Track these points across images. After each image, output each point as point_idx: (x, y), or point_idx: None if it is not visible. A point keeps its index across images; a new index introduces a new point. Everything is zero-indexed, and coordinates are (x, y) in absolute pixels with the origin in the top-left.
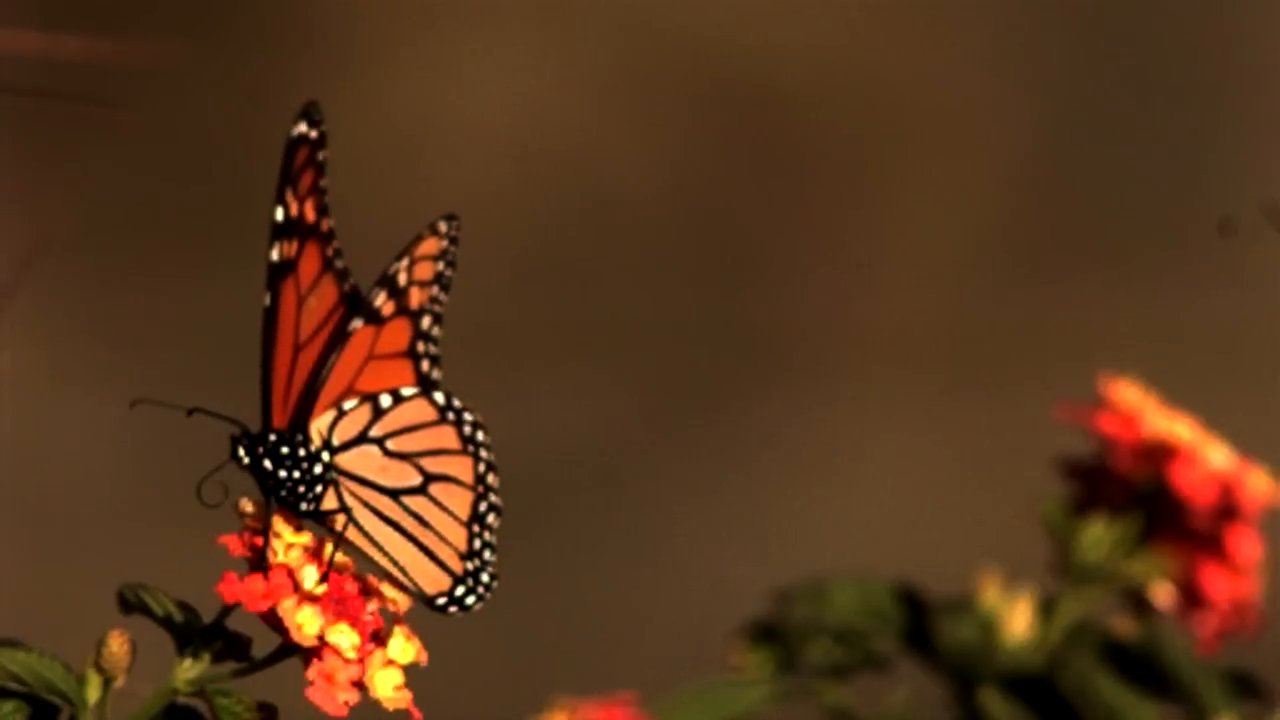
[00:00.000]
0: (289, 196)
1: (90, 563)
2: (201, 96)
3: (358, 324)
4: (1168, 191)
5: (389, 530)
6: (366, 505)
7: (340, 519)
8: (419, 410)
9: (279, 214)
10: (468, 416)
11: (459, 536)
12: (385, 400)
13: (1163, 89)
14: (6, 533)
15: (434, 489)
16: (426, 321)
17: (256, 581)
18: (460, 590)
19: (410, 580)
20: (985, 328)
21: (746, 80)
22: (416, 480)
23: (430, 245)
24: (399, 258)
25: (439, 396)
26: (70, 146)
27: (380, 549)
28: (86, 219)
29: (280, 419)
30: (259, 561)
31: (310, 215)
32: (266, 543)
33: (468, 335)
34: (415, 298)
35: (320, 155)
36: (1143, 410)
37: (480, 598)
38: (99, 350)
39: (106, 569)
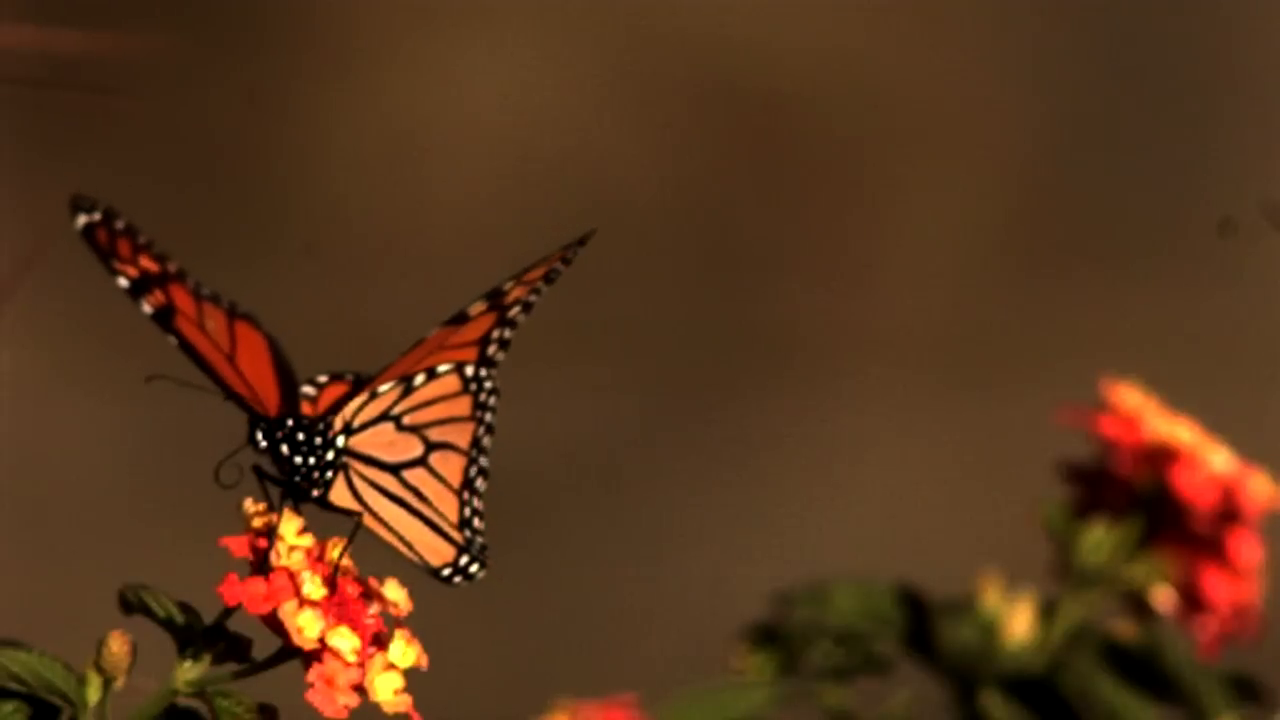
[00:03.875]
0: (118, 266)
1: (90, 563)
2: (201, 95)
3: (434, 330)
4: (1168, 191)
5: (394, 508)
6: (373, 485)
7: (358, 508)
8: (447, 384)
9: (122, 282)
10: (487, 385)
11: (452, 506)
12: (419, 379)
13: (1163, 89)
14: (6, 533)
15: (433, 458)
16: (515, 311)
17: (258, 584)
18: (464, 560)
19: (417, 555)
20: (985, 328)
21: (746, 80)
22: (418, 451)
23: (556, 255)
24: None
25: (469, 369)
26: (70, 146)
27: (387, 527)
28: None
29: (266, 411)
30: (261, 563)
31: (154, 267)
32: (271, 544)
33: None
34: (514, 294)
35: (118, 224)
36: (1144, 413)
37: (484, 565)
38: (99, 350)
39: (107, 569)
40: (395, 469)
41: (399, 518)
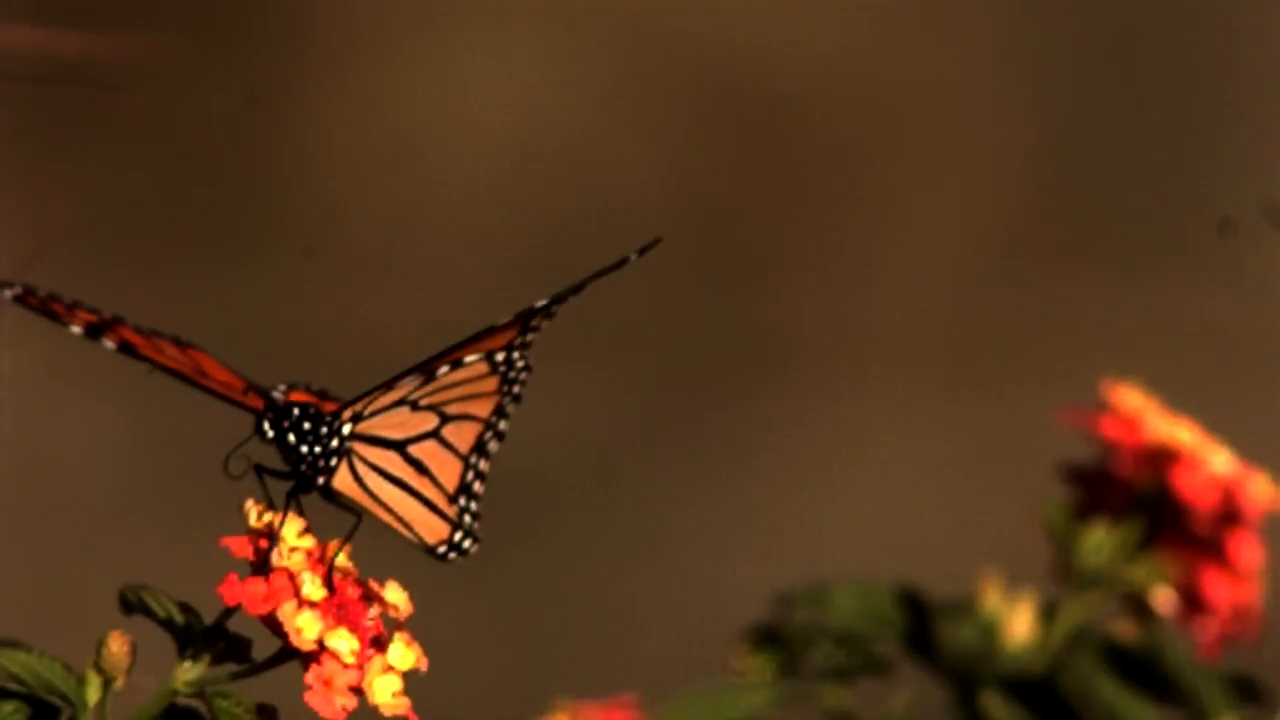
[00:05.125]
0: (65, 320)
1: (90, 563)
2: (201, 96)
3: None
4: (1168, 192)
5: (394, 489)
6: (375, 468)
7: (356, 490)
8: (474, 369)
9: (76, 329)
10: (519, 364)
11: (455, 473)
12: (442, 370)
13: (1163, 89)
14: (6, 533)
15: (447, 429)
16: (565, 293)
17: (257, 584)
18: (458, 536)
19: (414, 534)
20: (986, 328)
21: (747, 81)
22: (432, 425)
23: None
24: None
25: (500, 355)
26: (70, 147)
27: (386, 508)
28: (87, 219)
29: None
30: (262, 564)
31: (92, 318)
32: (272, 544)
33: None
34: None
35: (40, 293)
36: (1145, 414)
37: (477, 539)
38: (99, 350)
39: (107, 569)
40: (401, 445)
41: (398, 499)
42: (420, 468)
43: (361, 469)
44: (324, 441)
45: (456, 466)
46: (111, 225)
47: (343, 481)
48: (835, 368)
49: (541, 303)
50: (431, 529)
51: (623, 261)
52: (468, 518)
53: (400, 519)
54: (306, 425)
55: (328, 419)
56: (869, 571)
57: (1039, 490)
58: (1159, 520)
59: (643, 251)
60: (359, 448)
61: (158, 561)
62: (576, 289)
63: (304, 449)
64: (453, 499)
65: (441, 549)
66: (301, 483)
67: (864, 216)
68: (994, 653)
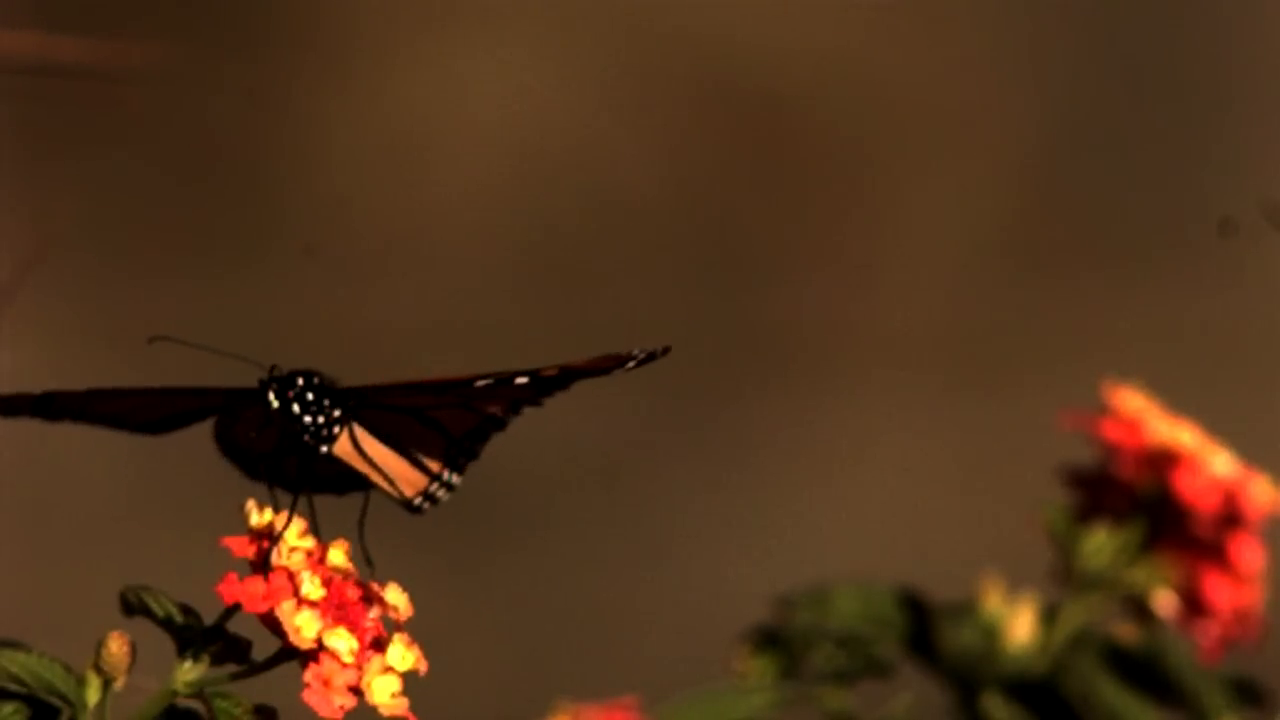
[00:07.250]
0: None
1: (90, 563)
2: (201, 96)
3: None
4: (1168, 191)
5: (384, 448)
6: (373, 431)
7: (353, 455)
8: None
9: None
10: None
11: (468, 424)
12: (480, 383)
13: (1163, 89)
14: (6, 533)
15: (475, 399)
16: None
17: (257, 583)
18: (434, 486)
19: (396, 489)
20: (986, 328)
21: (747, 80)
22: (457, 400)
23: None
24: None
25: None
26: (71, 148)
27: (373, 465)
28: (87, 219)
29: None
30: (262, 563)
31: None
32: (272, 544)
33: (468, 336)
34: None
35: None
36: (1145, 416)
37: (451, 488)
38: (99, 350)
39: (107, 570)
40: (420, 410)
41: (386, 457)
42: (430, 424)
43: (360, 433)
44: (327, 412)
45: (474, 419)
46: (112, 225)
47: (343, 449)
48: (835, 368)
49: (522, 380)
50: (412, 483)
51: (626, 360)
52: (461, 459)
53: (386, 476)
54: (310, 395)
55: (332, 389)
56: (870, 573)
57: (1040, 492)
58: (1160, 523)
59: (648, 358)
60: (366, 413)
61: (158, 562)
62: (562, 382)
63: (308, 418)
64: (454, 443)
65: (417, 500)
66: (305, 455)
67: (864, 216)
68: (995, 655)
